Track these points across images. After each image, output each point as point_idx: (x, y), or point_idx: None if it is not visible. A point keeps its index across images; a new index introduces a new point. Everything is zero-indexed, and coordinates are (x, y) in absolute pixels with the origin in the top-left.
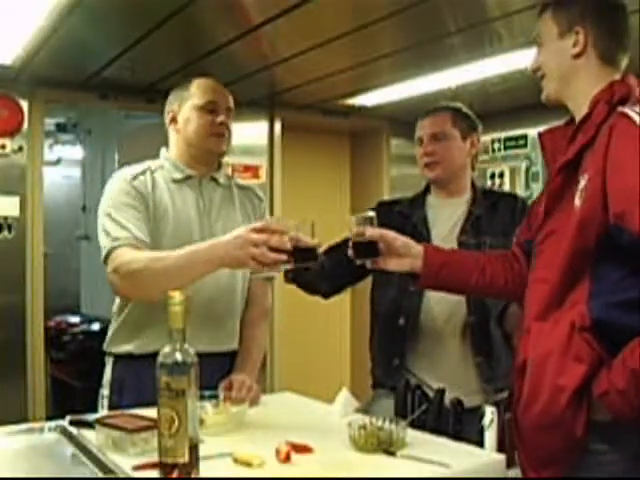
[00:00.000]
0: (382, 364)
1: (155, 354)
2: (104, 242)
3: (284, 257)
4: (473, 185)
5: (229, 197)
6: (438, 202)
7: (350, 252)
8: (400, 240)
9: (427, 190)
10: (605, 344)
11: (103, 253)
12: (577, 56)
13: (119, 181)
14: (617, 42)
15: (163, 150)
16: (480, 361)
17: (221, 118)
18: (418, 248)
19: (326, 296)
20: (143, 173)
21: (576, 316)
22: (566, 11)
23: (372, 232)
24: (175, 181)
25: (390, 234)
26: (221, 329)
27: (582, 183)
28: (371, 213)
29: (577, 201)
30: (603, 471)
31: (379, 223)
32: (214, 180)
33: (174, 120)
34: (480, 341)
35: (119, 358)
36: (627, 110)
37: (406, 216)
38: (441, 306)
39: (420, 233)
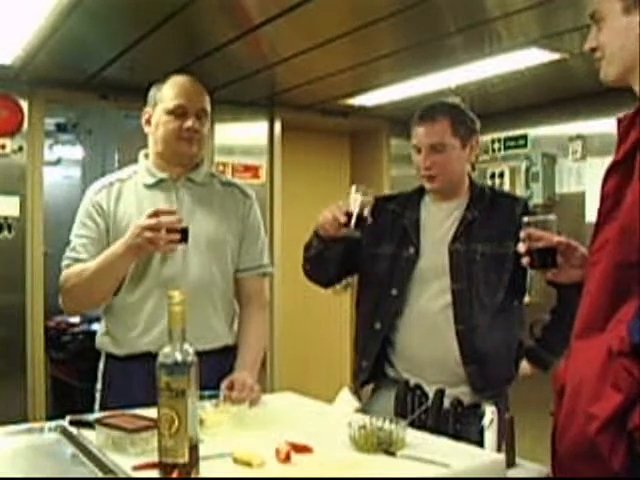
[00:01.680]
0: (355, 364)
1: (140, 355)
2: None
3: (177, 236)
4: (472, 184)
5: (207, 196)
6: (433, 206)
7: (525, 260)
8: (580, 251)
9: (424, 189)
10: None
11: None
12: None
13: (87, 194)
14: None
15: (141, 154)
16: (471, 371)
17: (188, 123)
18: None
19: (328, 284)
20: (111, 184)
21: (615, 339)
22: None
23: (559, 240)
24: (147, 186)
25: (574, 244)
26: (201, 327)
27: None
28: (552, 217)
29: None
30: None
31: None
32: (190, 180)
33: (149, 122)
34: (469, 350)
35: (108, 356)
36: None
37: (398, 215)
38: (428, 309)
39: (409, 238)
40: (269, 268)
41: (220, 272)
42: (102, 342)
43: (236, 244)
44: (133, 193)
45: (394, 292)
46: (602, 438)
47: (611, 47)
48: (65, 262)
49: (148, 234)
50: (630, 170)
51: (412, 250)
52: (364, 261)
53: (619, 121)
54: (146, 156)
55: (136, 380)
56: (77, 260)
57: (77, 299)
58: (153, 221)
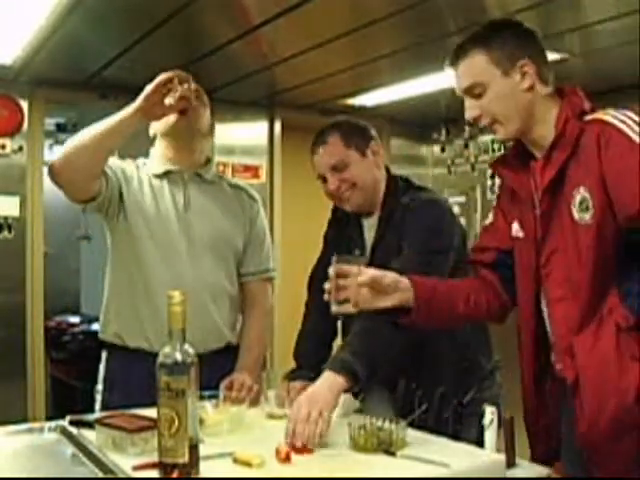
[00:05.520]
0: None
1: (142, 351)
2: None
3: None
4: (388, 196)
5: (215, 195)
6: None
7: (327, 297)
8: (388, 277)
9: None
10: None
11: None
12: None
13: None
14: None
15: (152, 149)
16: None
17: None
18: (406, 281)
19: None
20: (128, 164)
21: (619, 318)
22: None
23: (363, 279)
24: (157, 176)
25: (378, 274)
26: (205, 326)
27: (578, 197)
28: (362, 258)
29: (578, 215)
30: None
31: (331, 232)
32: (199, 176)
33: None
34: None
35: (111, 353)
36: (605, 117)
37: (345, 223)
38: None
39: (355, 243)
40: (273, 272)
41: (225, 272)
42: (103, 326)
43: (241, 246)
44: (147, 180)
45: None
46: (638, 407)
47: (504, 108)
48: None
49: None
50: (558, 189)
51: (357, 253)
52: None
53: (496, 164)
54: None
55: (139, 381)
56: None
57: (74, 156)
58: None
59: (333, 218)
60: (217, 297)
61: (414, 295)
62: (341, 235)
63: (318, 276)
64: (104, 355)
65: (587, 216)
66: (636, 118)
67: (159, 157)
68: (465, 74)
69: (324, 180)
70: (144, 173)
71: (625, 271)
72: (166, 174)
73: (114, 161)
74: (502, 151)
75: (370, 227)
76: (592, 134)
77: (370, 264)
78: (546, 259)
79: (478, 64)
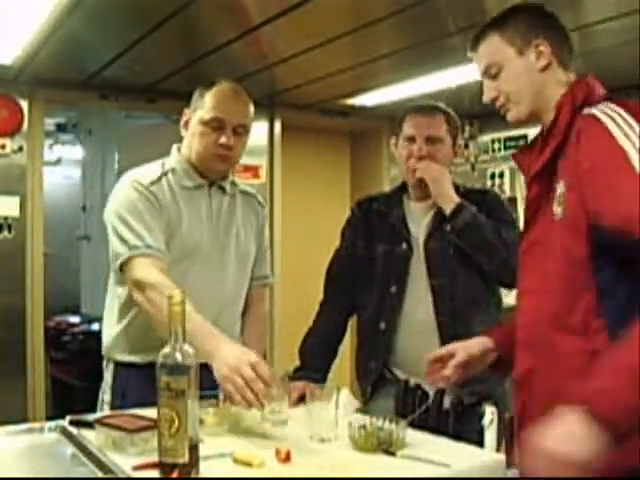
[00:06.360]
0: (361, 366)
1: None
2: (120, 249)
3: (257, 404)
4: None
5: (233, 205)
6: (413, 205)
7: None
8: (472, 352)
9: (404, 188)
10: None
11: (119, 260)
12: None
13: (135, 185)
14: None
15: (175, 149)
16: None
17: (223, 140)
18: (489, 343)
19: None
20: (159, 180)
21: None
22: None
23: (453, 367)
24: (184, 187)
25: (463, 357)
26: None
27: (559, 190)
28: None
29: (557, 208)
30: None
31: (357, 224)
32: (221, 188)
33: (186, 125)
34: (450, 342)
35: (121, 366)
36: (593, 111)
37: (384, 215)
38: (418, 307)
39: (399, 232)
40: (272, 278)
41: (246, 285)
42: (117, 349)
43: (254, 256)
44: (177, 190)
45: (393, 289)
46: None
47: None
48: (134, 252)
49: (238, 381)
50: (548, 179)
51: (405, 246)
52: (360, 264)
53: (515, 154)
54: (178, 149)
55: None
56: (151, 248)
57: (144, 307)
58: (252, 375)
59: (362, 211)
60: (239, 310)
61: (501, 352)
62: (381, 225)
63: (333, 275)
64: (110, 366)
65: (559, 210)
66: (625, 115)
67: (188, 167)
68: (482, 56)
69: (412, 141)
70: (171, 182)
71: (610, 284)
72: (195, 187)
73: (155, 197)
74: (502, 151)
75: (423, 209)
76: (578, 127)
77: (430, 237)
78: (527, 248)
79: (493, 44)
